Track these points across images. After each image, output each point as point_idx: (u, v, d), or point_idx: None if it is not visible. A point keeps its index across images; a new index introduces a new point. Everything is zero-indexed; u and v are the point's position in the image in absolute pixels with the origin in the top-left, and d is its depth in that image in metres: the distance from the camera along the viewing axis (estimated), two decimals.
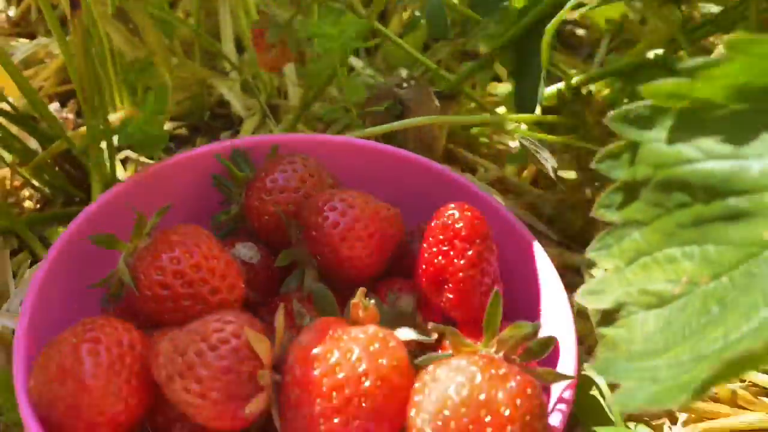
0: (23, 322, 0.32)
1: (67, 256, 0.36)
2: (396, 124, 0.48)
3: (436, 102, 0.52)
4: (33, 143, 0.51)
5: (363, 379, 0.29)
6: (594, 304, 0.29)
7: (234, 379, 0.28)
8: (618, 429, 0.33)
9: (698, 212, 0.26)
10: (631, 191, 0.28)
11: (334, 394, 0.29)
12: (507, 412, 0.27)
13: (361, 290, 0.32)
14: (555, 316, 0.36)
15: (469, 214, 0.35)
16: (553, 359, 0.34)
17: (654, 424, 0.40)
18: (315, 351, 0.30)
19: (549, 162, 0.48)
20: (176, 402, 0.29)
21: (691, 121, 0.26)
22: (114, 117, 0.51)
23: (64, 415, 0.29)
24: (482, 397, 0.28)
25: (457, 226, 0.34)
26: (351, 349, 0.30)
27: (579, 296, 0.30)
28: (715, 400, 0.41)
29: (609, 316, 0.29)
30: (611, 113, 0.28)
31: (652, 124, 0.27)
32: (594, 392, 0.35)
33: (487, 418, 0.27)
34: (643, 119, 0.27)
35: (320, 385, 0.29)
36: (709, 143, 0.25)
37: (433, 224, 0.35)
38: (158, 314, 0.33)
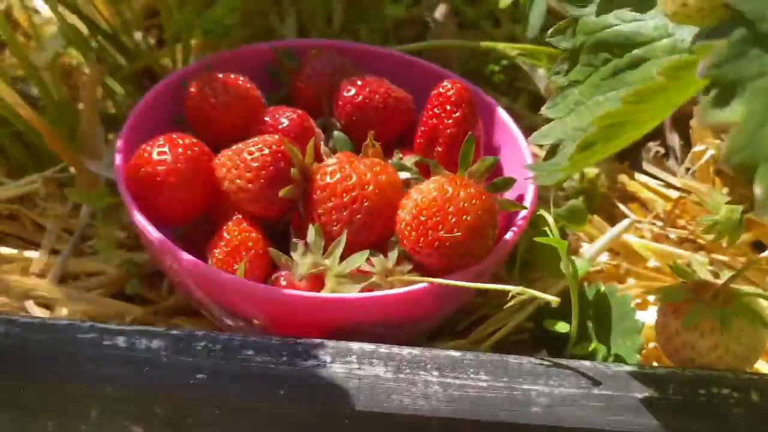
0: (124, 133, 0.43)
1: (158, 100, 0.47)
2: (421, 45, 0.59)
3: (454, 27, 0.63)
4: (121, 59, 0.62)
5: (366, 186, 0.40)
6: (542, 141, 0.39)
7: (273, 172, 0.39)
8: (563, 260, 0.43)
9: (615, 65, 0.36)
10: (573, 58, 0.38)
11: (345, 194, 0.40)
12: (465, 205, 0.38)
13: (371, 133, 0.43)
14: (521, 172, 0.46)
15: (458, 85, 0.45)
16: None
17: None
18: (333, 167, 0.40)
19: (541, 81, 0.57)
20: (230, 191, 0.40)
21: None
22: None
23: (150, 196, 0.40)
24: (447, 194, 0.38)
25: (448, 93, 0.45)
26: (359, 168, 0.40)
27: (531, 139, 0.40)
28: None
29: (552, 150, 0.39)
30: None
31: (588, 2, 0.37)
32: (546, 230, 0.44)
33: (450, 208, 0.38)
34: None
35: (335, 188, 0.40)
36: (623, 11, 0.35)
37: (431, 95, 0.46)
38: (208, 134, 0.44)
